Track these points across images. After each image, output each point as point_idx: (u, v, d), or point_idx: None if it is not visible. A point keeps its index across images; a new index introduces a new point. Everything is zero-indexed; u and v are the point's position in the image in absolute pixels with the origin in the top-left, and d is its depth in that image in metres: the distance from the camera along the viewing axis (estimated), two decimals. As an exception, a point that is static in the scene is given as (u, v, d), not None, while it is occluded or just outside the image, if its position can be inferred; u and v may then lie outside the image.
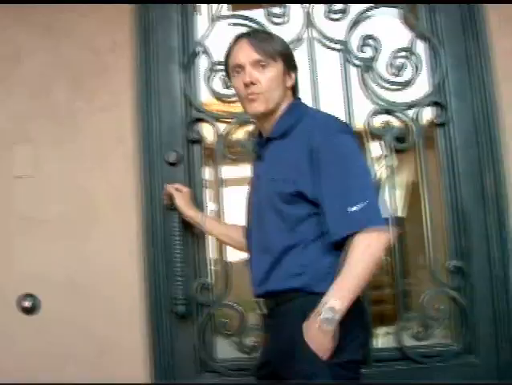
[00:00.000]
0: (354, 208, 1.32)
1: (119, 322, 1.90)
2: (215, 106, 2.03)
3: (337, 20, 2.03)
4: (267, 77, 1.44)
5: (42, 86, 2.02)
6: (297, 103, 1.52)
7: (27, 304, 1.90)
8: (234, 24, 2.04)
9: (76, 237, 1.94)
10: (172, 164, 1.94)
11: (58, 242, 1.94)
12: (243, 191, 1.62)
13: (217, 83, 2.01)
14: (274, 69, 1.45)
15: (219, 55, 1.88)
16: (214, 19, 2.04)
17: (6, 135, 2.01)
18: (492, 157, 1.87)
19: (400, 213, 1.89)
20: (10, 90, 2.02)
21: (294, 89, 1.53)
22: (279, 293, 1.40)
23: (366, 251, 1.30)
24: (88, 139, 1.99)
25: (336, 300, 1.27)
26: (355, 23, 2.01)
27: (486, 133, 1.88)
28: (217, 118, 1.99)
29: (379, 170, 1.87)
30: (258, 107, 1.45)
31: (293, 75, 1.51)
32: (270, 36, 1.52)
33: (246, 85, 1.44)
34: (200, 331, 1.90)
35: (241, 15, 2.05)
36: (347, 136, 1.40)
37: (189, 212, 1.82)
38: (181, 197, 1.83)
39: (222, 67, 1.67)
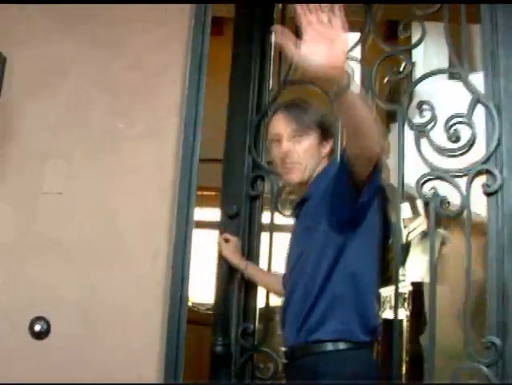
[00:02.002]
0: None
1: (130, 362, 1.75)
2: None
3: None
4: (302, 148, 1.53)
5: (82, 100, 1.92)
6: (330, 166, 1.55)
7: (38, 328, 1.76)
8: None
9: (96, 264, 1.81)
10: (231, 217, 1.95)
11: (74, 266, 1.80)
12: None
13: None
14: (309, 140, 1.54)
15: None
16: (285, 82, 2.05)
17: (39, 147, 1.89)
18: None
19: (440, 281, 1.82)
20: (51, 101, 1.92)
21: (331, 155, 1.60)
22: None
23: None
24: (124, 163, 1.88)
25: None
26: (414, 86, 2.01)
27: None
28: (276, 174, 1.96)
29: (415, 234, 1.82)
30: (294, 177, 1.55)
31: (330, 142, 1.59)
32: (306, 107, 1.60)
33: (282, 156, 1.53)
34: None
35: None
36: None
37: (234, 260, 1.87)
38: (227, 247, 1.87)
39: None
